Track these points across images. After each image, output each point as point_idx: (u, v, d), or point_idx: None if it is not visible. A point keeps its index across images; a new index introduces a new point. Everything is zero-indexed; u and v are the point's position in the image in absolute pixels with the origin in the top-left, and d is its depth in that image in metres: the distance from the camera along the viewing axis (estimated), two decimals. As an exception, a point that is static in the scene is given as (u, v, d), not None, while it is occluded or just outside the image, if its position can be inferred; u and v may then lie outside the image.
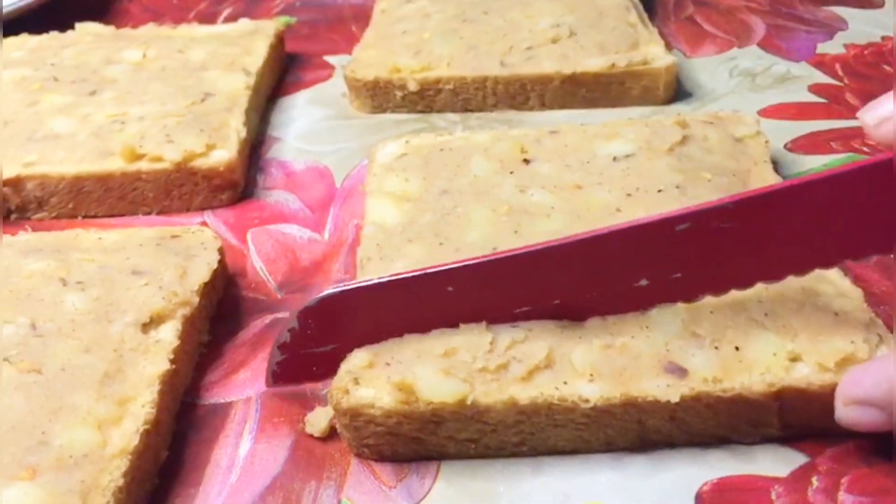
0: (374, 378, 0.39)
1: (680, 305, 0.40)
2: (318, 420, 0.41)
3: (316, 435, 0.41)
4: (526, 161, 0.52)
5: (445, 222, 0.47)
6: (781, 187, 0.37)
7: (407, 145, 0.54)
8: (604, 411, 0.38)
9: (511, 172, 0.51)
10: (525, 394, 0.38)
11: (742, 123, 0.55)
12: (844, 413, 0.37)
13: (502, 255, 0.40)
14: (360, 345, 0.40)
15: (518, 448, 0.40)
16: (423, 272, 0.40)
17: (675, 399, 0.38)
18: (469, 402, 0.38)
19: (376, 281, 0.41)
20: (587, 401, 0.38)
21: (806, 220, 0.37)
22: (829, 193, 0.36)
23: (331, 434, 0.41)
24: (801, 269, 0.38)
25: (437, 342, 0.40)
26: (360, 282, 0.42)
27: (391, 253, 0.46)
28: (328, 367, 0.41)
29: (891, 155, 0.35)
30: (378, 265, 0.45)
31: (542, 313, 0.40)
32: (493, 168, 0.51)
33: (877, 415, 0.36)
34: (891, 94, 0.37)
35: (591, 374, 0.39)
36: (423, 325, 0.40)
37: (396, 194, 0.50)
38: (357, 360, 0.40)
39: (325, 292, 0.41)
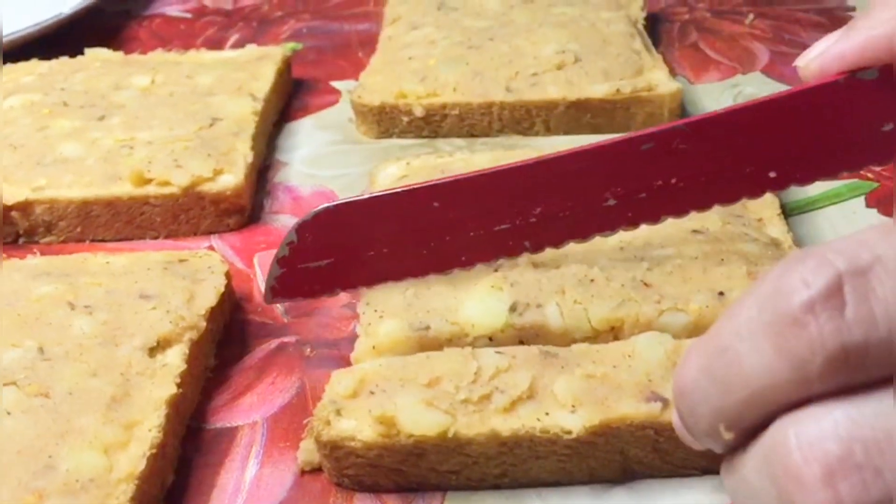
0: (356, 409, 0.39)
1: (663, 336, 0.40)
2: (309, 455, 0.41)
3: (309, 469, 0.41)
4: None
5: None
6: (731, 110, 0.40)
7: (408, 167, 0.55)
8: (586, 442, 0.38)
9: None
10: (507, 426, 0.38)
11: None
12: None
13: (482, 173, 0.42)
14: (354, 260, 0.43)
15: (500, 480, 0.40)
16: (410, 187, 0.43)
17: (658, 419, 0.38)
18: (450, 435, 0.38)
19: (368, 196, 0.44)
20: (569, 432, 0.38)
21: (753, 142, 0.40)
22: (774, 116, 0.39)
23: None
24: (754, 192, 0.41)
25: (422, 368, 0.40)
26: (353, 197, 0.44)
27: None
28: (323, 284, 0.44)
29: (835, 78, 0.36)
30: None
31: (521, 234, 0.42)
32: None
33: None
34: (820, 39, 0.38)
35: (573, 405, 0.38)
36: (411, 239, 0.43)
37: None
38: (341, 386, 0.40)
39: (322, 207, 0.43)
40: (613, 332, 0.42)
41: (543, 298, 0.43)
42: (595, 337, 0.42)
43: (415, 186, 0.43)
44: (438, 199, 0.42)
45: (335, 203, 0.44)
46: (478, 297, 0.43)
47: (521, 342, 0.42)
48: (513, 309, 0.42)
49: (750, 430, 0.28)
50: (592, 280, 0.43)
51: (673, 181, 0.41)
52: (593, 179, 0.41)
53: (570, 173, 0.41)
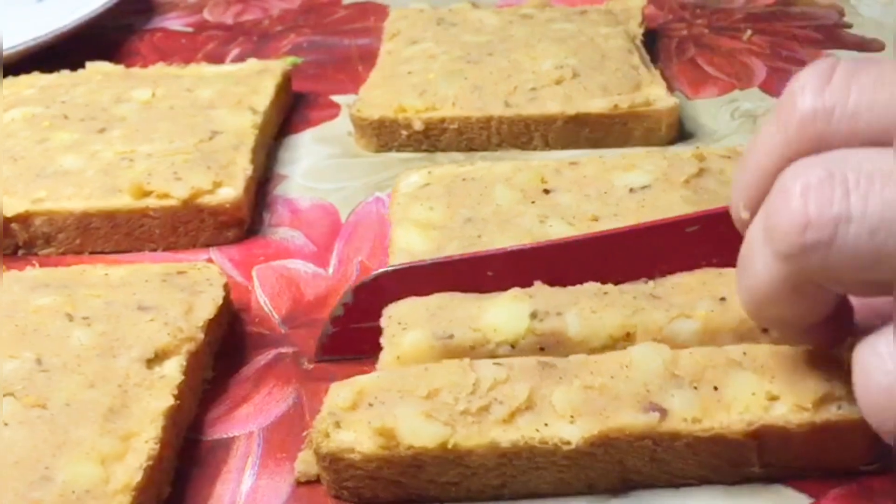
0: (356, 421, 0.39)
1: (660, 346, 0.41)
2: (307, 466, 0.41)
3: (306, 480, 0.41)
4: (546, 191, 0.52)
5: (471, 250, 0.48)
6: None
7: (429, 175, 0.55)
8: (585, 453, 0.38)
9: (532, 202, 0.52)
10: (506, 437, 0.38)
11: None
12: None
13: (539, 245, 0.46)
14: None
15: (499, 491, 0.40)
16: (467, 256, 0.46)
17: (656, 430, 0.38)
18: (450, 446, 0.38)
19: (428, 262, 0.46)
20: (568, 443, 0.38)
21: None
22: None
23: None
24: None
25: (421, 380, 0.40)
26: (412, 263, 0.46)
27: None
28: (372, 344, 0.44)
29: None
30: None
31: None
32: (515, 197, 0.52)
33: None
34: None
35: (572, 416, 0.39)
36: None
37: (422, 222, 0.51)
38: (340, 398, 0.40)
39: (381, 270, 0.46)
40: (629, 340, 0.42)
41: (563, 308, 0.43)
42: (612, 346, 0.42)
43: (474, 255, 0.45)
44: (493, 269, 0.45)
45: (394, 267, 0.46)
46: (500, 305, 0.43)
47: (542, 349, 0.42)
48: (534, 315, 0.43)
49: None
50: (606, 293, 0.44)
51: (714, 261, 0.44)
52: (638, 259, 0.44)
53: (616, 250, 0.45)
